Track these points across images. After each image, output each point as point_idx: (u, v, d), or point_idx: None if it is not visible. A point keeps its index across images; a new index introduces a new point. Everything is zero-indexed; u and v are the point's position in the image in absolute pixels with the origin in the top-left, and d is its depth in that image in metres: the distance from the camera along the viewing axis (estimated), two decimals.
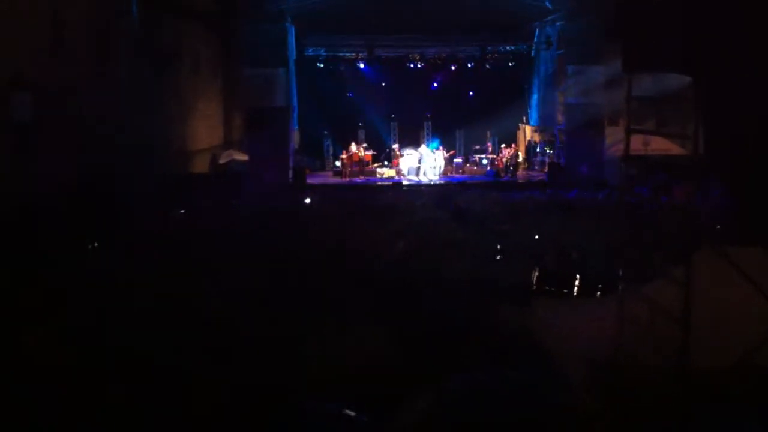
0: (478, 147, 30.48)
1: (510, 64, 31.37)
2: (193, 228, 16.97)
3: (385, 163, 29.08)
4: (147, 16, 22.75)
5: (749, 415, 5.46)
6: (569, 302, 10.74)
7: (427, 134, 30.33)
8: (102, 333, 8.78)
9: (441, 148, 28.96)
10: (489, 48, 30.36)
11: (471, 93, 31.54)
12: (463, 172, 29.13)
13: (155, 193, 19.36)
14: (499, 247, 14.04)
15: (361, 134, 30.12)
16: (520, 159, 29.90)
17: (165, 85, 24.36)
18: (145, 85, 22.40)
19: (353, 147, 28.44)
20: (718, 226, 11.39)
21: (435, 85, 31.59)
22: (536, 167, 30.12)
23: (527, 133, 31.75)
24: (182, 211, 18.84)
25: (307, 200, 21.93)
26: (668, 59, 6.31)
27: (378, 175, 28.16)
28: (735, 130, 5.32)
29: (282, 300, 10.28)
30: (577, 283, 11.35)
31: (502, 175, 28.01)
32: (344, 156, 28.19)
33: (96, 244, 14.18)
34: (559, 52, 27.58)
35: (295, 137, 27.79)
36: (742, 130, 5.22)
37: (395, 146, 29.42)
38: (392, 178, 27.83)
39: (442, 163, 28.43)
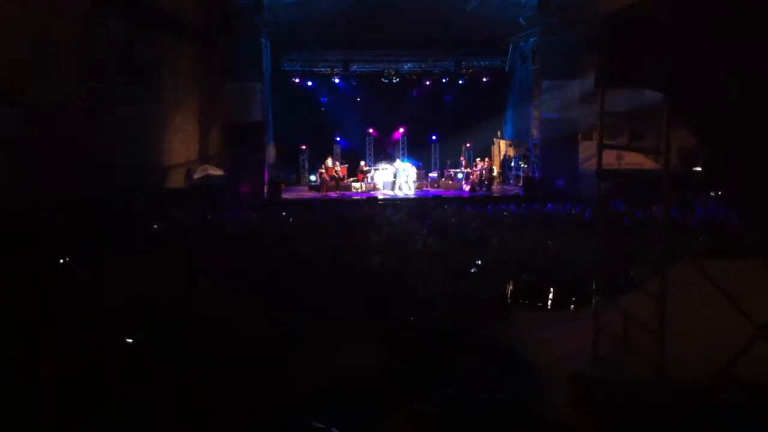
0: (450, 162, 30.70)
1: (485, 79, 31.62)
2: (170, 240, 16.91)
3: (350, 179, 29.11)
4: (128, 32, 22.74)
5: (728, 428, 5.51)
6: (544, 315, 10.78)
7: (403, 149, 30.46)
8: (89, 335, 8.80)
9: (409, 163, 29.13)
10: (464, 63, 30.66)
11: (446, 108, 31.72)
12: (438, 186, 29.24)
13: (133, 207, 19.29)
14: (478, 261, 14.07)
15: (337, 149, 30.23)
16: (495, 173, 30.09)
17: (145, 100, 24.31)
18: (127, 100, 22.37)
19: (329, 162, 28.54)
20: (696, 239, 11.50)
21: (410, 100, 31.73)
22: (511, 181, 30.39)
23: (502, 147, 31.96)
24: (155, 226, 18.73)
25: (283, 213, 21.87)
26: (642, 75, 6.39)
27: (353, 190, 28.23)
28: (725, 144, 5.39)
29: (258, 312, 10.27)
30: (551, 296, 11.41)
31: (477, 189, 28.14)
32: (322, 170, 28.25)
33: (70, 258, 14.09)
34: (534, 67, 27.80)
35: (271, 152, 27.82)
36: (732, 144, 5.29)
37: (362, 162, 29.54)
38: (368, 192, 27.89)
39: (415, 177, 28.55)
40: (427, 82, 31.34)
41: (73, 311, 9.78)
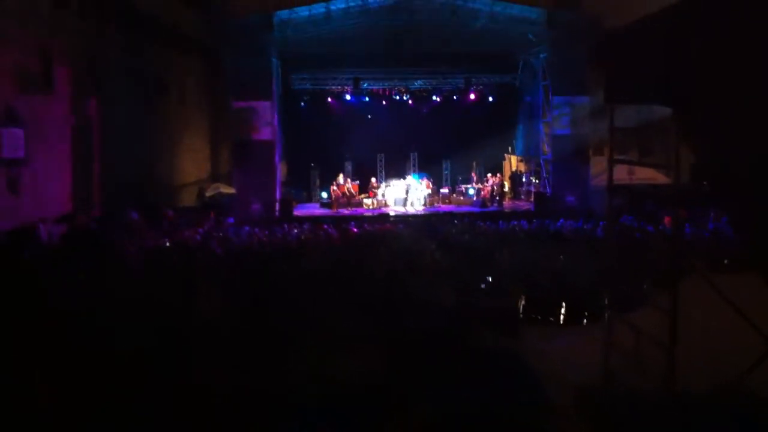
0: (461, 178, 30.78)
1: (495, 95, 31.65)
2: (180, 255, 16.98)
3: (362, 196, 29.16)
4: (136, 50, 22.89)
5: None
6: (556, 329, 10.79)
7: (414, 165, 30.52)
8: (97, 339, 8.88)
9: (424, 179, 29.15)
10: (474, 79, 30.69)
11: (457, 124, 31.76)
12: (450, 202, 29.26)
13: (142, 226, 19.38)
14: (489, 277, 14.08)
15: (348, 166, 30.30)
16: (506, 189, 30.09)
17: (154, 118, 24.45)
18: (135, 118, 22.49)
19: (340, 178, 28.60)
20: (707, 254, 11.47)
21: (421, 116, 31.80)
22: (522, 197, 30.35)
23: (513, 163, 31.96)
24: (167, 243, 18.79)
25: (295, 231, 21.93)
26: (650, 91, 6.43)
27: (365, 207, 28.26)
28: (725, 160, 5.42)
29: (270, 319, 10.34)
30: (562, 311, 11.41)
31: (488, 204, 28.15)
32: (334, 187, 28.30)
33: (83, 275, 14.18)
34: (544, 82, 27.83)
35: (282, 169, 27.90)
36: (730, 160, 5.32)
37: (373, 179, 29.62)
38: (379, 209, 27.92)
39: (427, 193, 28.58)
40: (438, 99, 31.41)
41: (77, 318, 9.88)
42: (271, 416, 7.24)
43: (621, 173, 21.53)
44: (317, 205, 29.36)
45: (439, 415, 6.82)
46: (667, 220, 18.41)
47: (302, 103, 30.64)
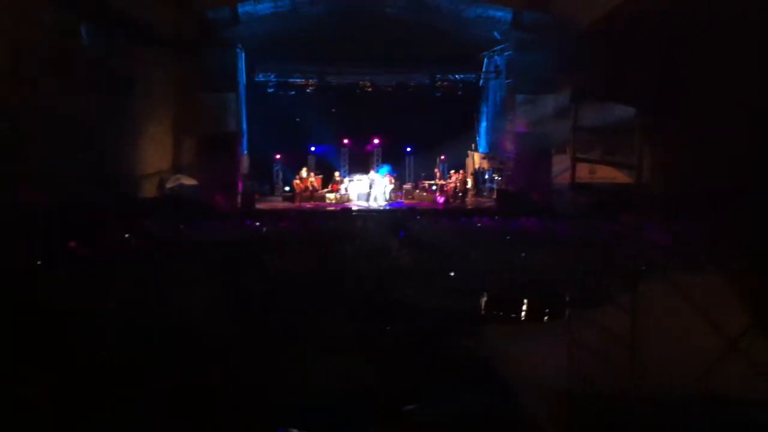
0: (424, 174, 30.86)
1: (459, 93, 31.72)
2: (143, 251, 16.83)
3: (324, 190, 29.11)
4: (101, 41, 22.58)
5: None
6: (518, 328, 10.82)
7: (377, 160, 30.49)
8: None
9: (387, 174, 29.14)
10: (438, 76, 30.75)
11: (421, 120, 31.80)
12: (412, 198, 29.28)
13: (102, 217, 19.14)
14: (451, 273, 14.11)
15: (312, 160, 30.20)
16: (469, 185, 30.16)
17: (118, 109, 24.11)
18: (99, 109, 22.17)
19: (304, 172, 28.52)
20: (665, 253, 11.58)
21: (385, 112, 31.78)
22: (485, 194, 30.43)
23: (476, 160, 32.03)
24: (126, 235, 18.60)
25: (257, 223, 21.83)
26: (617, 92, 6.47)
27: (328, 201, 28.21)
28: (689, 160, 5.48)
29: (238, 326, 10.26)
30: (524, 309, 11.46)
31: (451, 201, 28.22)
32: (297, 181, 28.21)
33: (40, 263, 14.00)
34: (508, 81, 27.93)
35: (245, 162, 27.71)
36: (694, 160, 5.39)
37: (336, 173, 29.61)
38: (342, 203, 27.88)
39: (390, 188, 28.57)
40: (402, 95, 31.38)
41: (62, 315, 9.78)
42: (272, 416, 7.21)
43: (582, 172, 21.73)
44: (279, 198, 29.25)
45: (406, 421, 6.81)
46: (630, 219, 18.58)
47: (266, 96, 30.43)
